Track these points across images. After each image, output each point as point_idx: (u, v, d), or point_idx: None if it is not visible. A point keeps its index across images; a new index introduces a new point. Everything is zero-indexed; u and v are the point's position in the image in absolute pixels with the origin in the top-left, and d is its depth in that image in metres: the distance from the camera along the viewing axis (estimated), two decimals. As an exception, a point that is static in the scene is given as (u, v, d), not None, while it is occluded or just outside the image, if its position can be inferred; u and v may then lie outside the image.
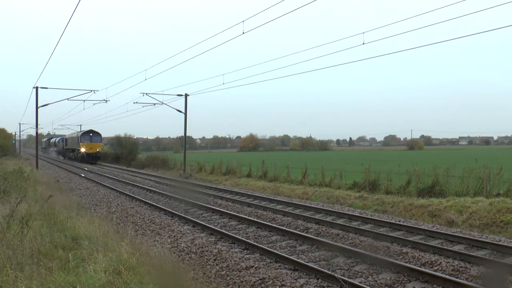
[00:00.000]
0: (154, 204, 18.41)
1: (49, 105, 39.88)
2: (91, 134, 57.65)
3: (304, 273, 8.59)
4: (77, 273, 6.02)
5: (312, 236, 11.73)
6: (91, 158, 57.09)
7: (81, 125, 77.96)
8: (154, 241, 10.79)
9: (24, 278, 5.89)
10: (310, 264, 8.92)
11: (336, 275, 7.82)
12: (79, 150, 57.32)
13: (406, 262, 9.31)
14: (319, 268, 8.59)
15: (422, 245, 10.66)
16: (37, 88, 37.82)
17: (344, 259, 9.74)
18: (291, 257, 9.42)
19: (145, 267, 6.68)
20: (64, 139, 73.58)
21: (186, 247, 10.87)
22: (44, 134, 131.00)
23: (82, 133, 58.10)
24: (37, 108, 38.27)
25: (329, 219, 14.84)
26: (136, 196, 21.00)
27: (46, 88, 39.02)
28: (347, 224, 13.42)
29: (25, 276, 5.99)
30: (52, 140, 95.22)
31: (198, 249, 10.63)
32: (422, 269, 8.58)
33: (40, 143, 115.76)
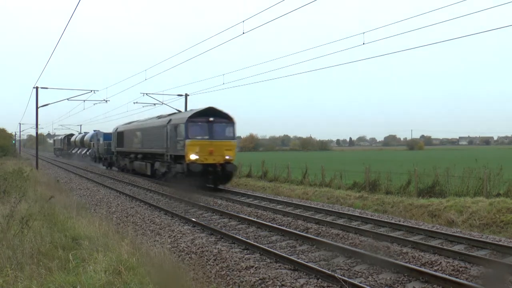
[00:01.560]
0: (154, 204, 18.42)
1: (49, 105, 39.89)
2: (211, 119, 23.64)
3: (304, 273, 8.59)
4: (77, 273, 6.03)
5: (312, 236, 11.73)
6: (216, 177, 23.50)
7: (81, 125, 77.47)
8: (154, 241, 10.79)
9: (24, 278, 5.90)
10: (310, 264, 8.92)
11: (336, 275, 7.82)
12: (182, 156, 23.39)
13: (406, 262, 9.31)
14: (319, 268, 8.59)
15: (422, 245, 10.65)
16: (37, 88, 37.83)
17: (344, 259, 9.73)
18: (291, 257, 9.42)
19: (145, 267, 6.69)
20: (112, 135, 40.41)
21: (186, 247, 10.87)
22: (44, 134, 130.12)
23: (190, 118, 23.64)
24: (37, 108, 38.28)
25: (329, 219, 14.83)
26: (136, 196, 21.00)
27: (46, 88, 39.01)
28: (347, 224, 13.42)
29: (25, 276, 6.00)
30: (76, 137, 63.54)
31: (198, 249, 10.62)
32: (422, 269, 8.58)
33: (52, 143, 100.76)
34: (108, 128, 49.65)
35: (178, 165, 24.02)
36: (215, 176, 23.39)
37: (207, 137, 23.45)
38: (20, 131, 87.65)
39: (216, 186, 24.19)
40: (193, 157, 22.83)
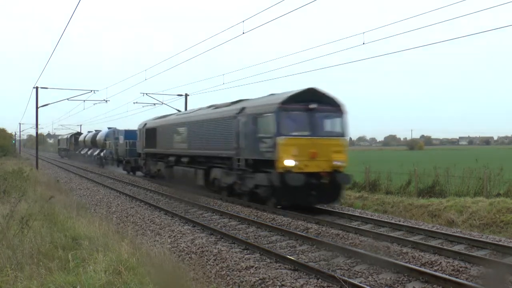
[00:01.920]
0: (154, 204, 18.42)
1: (49, 105, 39.92)
2: (312, 106, 15.58)
3: (304, 273, 8.59)
4: (77, 273, 6.03)
5: (312, 236, 11.73)
6: (320, 192, 15.51)
7: (81, 125, 77.44)
8: (154, 241, 10.79)
9: (24, 278, 5.91)
10: (310, 264, 8.92)
11: (336, 275, 7.82)
12: (270, 161, 15.60)
13: (406, 262, 9.31)
14: (319, 268, 8.59)
15: (422, 245, 10.65)
16: (37, 88, 37.82)
17: (344, 259, 9.73)
18: (291, 257, 9.43)
19: (145, 267, 6.69)
20: (137, 132, 32.50)
21: (186, 247, 10.87)
22: (44, 134, 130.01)
23: (283, 104, 15.47)
24: (37, 108, 38.28)
25: (329, 219, 14.82)
26: (136, 196, 21.01)
27: (46, 88, 39.03)
28: (347, 224, 13.42)
29: (25, 276, 6.00)
30: (86, 136, 55.35)
31: (198, 249, 10.62)
32: (422, 269, 8.58)
33: (56, 142, 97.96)
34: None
35: (260, 174, 16.45)
36: (319, 191, 15.62)
37: (307, 133, 15.88)
38: (20, 131, 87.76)
39: (315, 204, 16.38)
40: (289, 163, 15.24)
